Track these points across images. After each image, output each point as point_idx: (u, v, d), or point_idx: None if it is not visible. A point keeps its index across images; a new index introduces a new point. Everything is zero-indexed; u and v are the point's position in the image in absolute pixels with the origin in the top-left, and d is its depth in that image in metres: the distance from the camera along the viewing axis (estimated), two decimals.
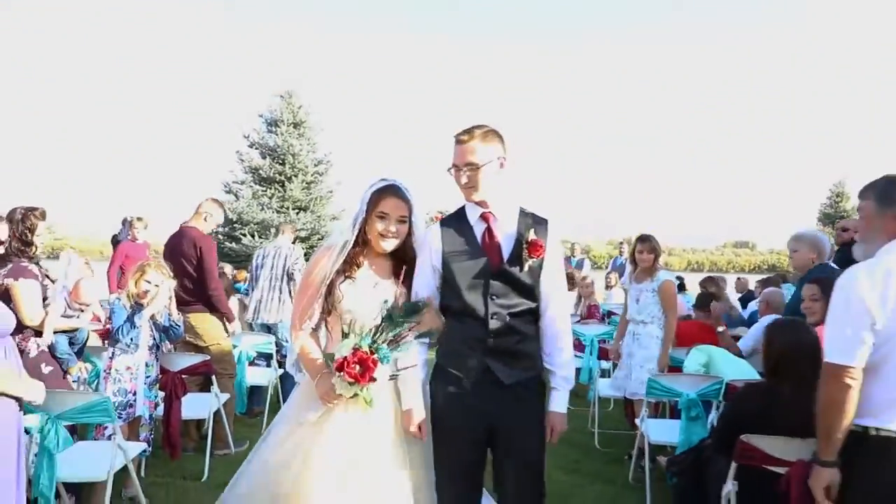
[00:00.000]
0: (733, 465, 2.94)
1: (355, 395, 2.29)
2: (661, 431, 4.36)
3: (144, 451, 3.93)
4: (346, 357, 2.27)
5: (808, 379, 2.37)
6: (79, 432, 3.94)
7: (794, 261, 4.33)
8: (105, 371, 3.94)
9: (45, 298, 3.68)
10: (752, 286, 10.21)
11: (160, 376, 4.20)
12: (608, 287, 10.29)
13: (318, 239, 19.92)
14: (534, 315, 2.43)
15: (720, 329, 5.37)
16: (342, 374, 2.25)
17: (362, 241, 2.52)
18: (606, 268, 13.39)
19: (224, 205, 5.60)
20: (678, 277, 8.80)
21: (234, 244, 20.07)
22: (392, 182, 2.53)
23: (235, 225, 20.54)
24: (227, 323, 5.26)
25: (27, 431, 2.87)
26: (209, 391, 4.73)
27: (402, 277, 2.52)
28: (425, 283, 2.45)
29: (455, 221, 2.45)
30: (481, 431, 2.37)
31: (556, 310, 2.46)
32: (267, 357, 6.03)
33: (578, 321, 7.87)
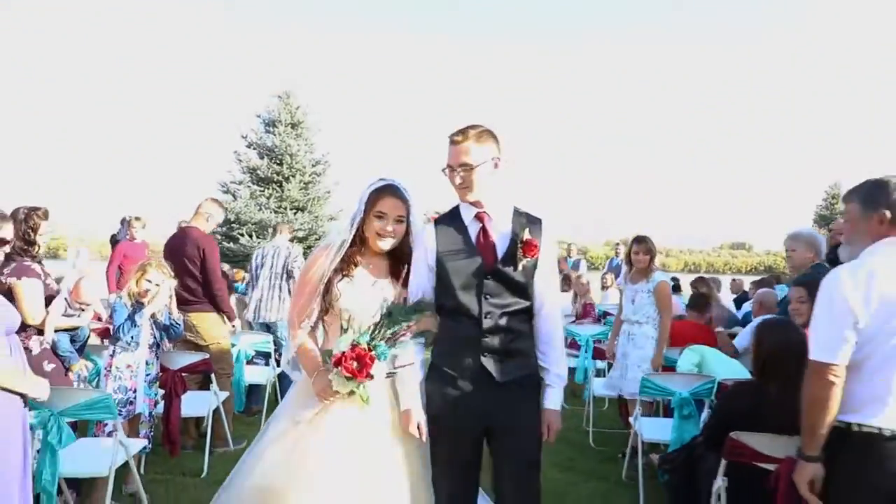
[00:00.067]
0: (723, 461, 3.00)
1: (352, 392, 2.30)
2: (654, 430, 4.43)
3: (144, 447, 3.98)
4: (344, 352, 2.27)
5: (796, 378, 2.42)
6: (79, 429, 3.99)
7: (792, 260, 4.31)
8: (106, 368, 3.99)
9: (50, 297, 3.73)
10: (746, 287, 10.31)
11: (160, 374, 4.26)
12: (604, 287, 10.35)
13: (316, 239, 19.93)
14: (527, 314, 2.44)
15: (718, 329, 5.47)
16: (340, 368, 2.26)
17: (360, 241, 2.54)
18: (603, 268, 13.45)
19: (223, 204, 5.65)
20: (673, 278, 8.89)
21: (231, 244, 20.07)
22: (390, 182, 2.55)
23: (233, 225, 20.53)
24: (228, 322, 5.30)
25: (31, 428, 2.91)
26: (208, 389, 4.78)
27: (401, 278, 2.54)
28: (421, 282, 2.46)
29: (449, 221, 2.46)
30: (477, 430, 2.39)
31: (550, 308, 2.49)
32: (265, 356, 6.08)
33: (574, 321, 7.94)
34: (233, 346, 5.39)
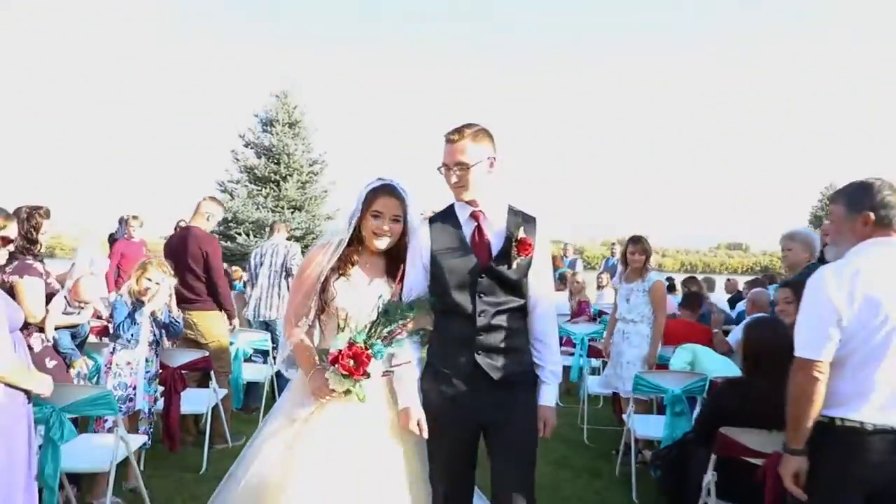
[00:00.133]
0: (713, 456, 3.07)
1: (348, 390, 2.30)
2: (647, 426, 4.50)
3: (144, 443, 4.03)
4: (340, 350, 2.27)
5: (783, 374, 2.49)
6: (79, 425, 4.03)
7: (787, 259, 4.29)
8: (106, 366, 4.04)
9: (50, 295, 3.77)
10: (741, 287, 10.39)
11: (160, 372, 4.31)
12: (599, 287, 10.42)
13: (313, 238, 19.95)
14: (522, 312, 2.45)
15: (716, 330, 5.55)
16: (336, 366, 2.26)
17: (357, 240, 2.56)
18: (599, 268, 13.51)
19: (222, 203, 5.69)
20: (668, 278, 8.97)
21: (229, 243, 20.08)
22: (388, 181, 2.56)
23: (230, 224, 20.55)
24: (228, 320, 5.35)
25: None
26: (207, 387, 4.83)
27: (398, 277, 2.54)
28: (416, 280, 2.47)
29: (444, 219, 2.47)
30: (473, 427, 2.41)
31: (545, 307, 2.50)
32: (263, 354, 6.14)
33: (569, 319, 8.00)
34: (231, 343, 5.44)
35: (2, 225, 2.76)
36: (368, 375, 2.28)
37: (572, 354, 6.62)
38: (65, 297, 4.03)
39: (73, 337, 4.04)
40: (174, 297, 4.43)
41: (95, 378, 4.32)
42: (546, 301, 2.51)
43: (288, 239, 6.72)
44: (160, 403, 4.37)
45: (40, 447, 3.11)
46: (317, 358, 2.43)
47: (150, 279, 4.13)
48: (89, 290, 4.44)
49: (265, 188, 21.80)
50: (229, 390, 5.24)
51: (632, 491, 4.26)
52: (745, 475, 2.93)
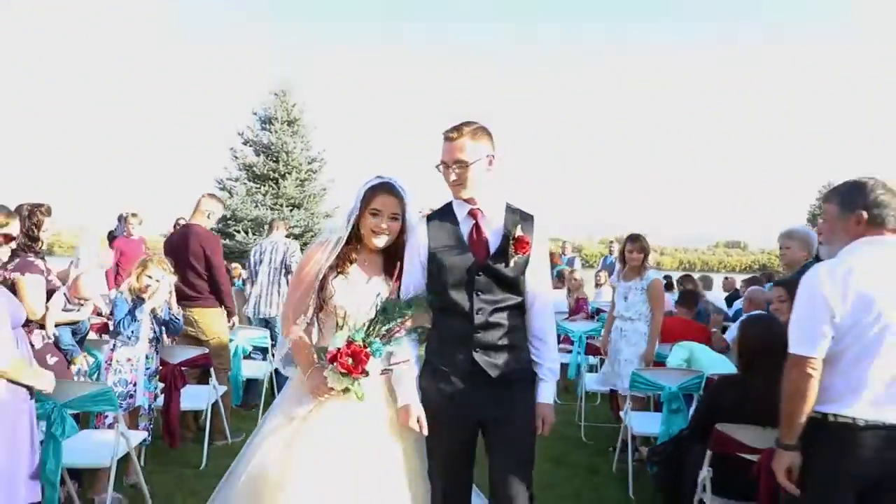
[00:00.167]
0: (709, 452, 3.10)
1: (347, 389, 2.30)
2: (643, 423, 4.53)
3: (145, 440, 4.06)
4: (339, 349, 2.27)
5: (778, 371, 2.51)
6: (79, 422, 4.06)
7: (786, 257, 4.28)
8: (106, 362, 4.07)
9: (50, 291, 3.80)
10: (738, 286, 10.43)
11: (160, 368, 4.34)
12: (598, 285, 10.45)
13: (311, 236, 19.97)
14: (519, 309, 2.46)
15: (714, 329, 5.59)
16: (335, 365, 2.26)
17: (356, 238, 2.56)
18: (597, 266, 13.54)
19: (222, 200, 5.71)
20: (666, 276, 9.00)
21: (227, 240, 20.07)
22: (386, 180, 2.57)
23: (229, 221, 20.57)
24: (228, 317, 5.38)
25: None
26: (206, 384, 4.86)
27: (395, 275, 2.53)
28: (414, 278, 2.47)
29: (442, 217, 2.47)
30: (471, 424, 2.41)
31: (542, 304, 2.51)
32: (262, 351, 6.16)
33: (567, 316, 8.04)
34: (230, 341, 5.47)
35: (4, 222, 2.78)
36: (367, 374, 2.28)
37: (570, 352, 6.66)
38: (64, 294, 4.06)
39: (74, 333, 4.07)
40: (174, 294, 4.46)
41: (96, 375, 4.35)
42: (544, 299, 2.52)
43: (287, 237, 6.75)
44: (160, 400, 4.40)
45: (42, 443, 3.14)
46: (315, 356, 2.42)
47: (150, 276, 4.16)
48: (88, 287, 4.47)
49: (264, 186, 21.83)
50: (229, 387, 5.27)
51: (629, 487, 4.29)
52: (740, 471, 2.96)
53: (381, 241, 2.54)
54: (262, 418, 2.72)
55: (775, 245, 4.43)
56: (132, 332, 4.08)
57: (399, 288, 2.51)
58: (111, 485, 3.44)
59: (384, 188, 2.54)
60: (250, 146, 22.58)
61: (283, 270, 6.19)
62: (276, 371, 6.02)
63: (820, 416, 2.25)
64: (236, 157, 22.48)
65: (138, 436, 3.86)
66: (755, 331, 3.18)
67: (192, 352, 4.62)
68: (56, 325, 3.90)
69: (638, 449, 4.63)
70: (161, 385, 4.37)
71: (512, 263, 2.38)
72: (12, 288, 3.60)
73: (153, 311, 4.20)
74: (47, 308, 3.79)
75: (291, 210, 21.37)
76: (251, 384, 6.08)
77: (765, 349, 3.01)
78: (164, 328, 4.35)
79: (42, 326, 3.78)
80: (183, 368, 4.52)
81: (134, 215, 8.54)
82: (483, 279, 2.37)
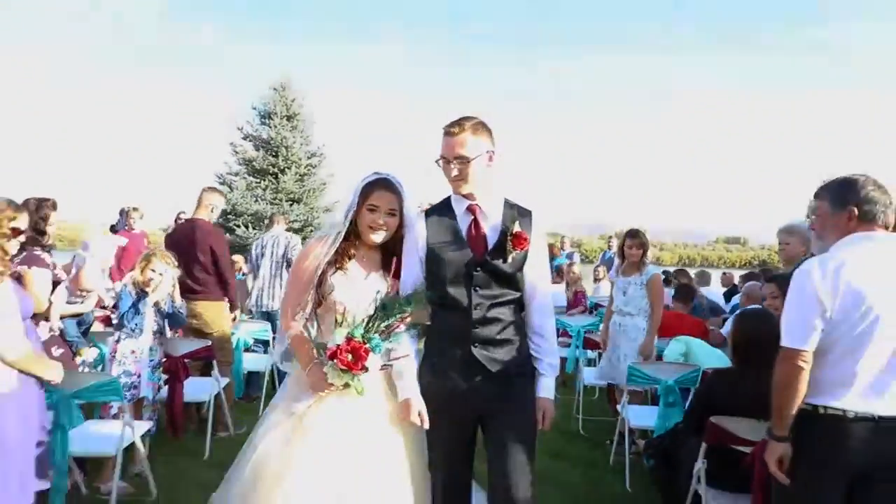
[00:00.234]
0: (703, 444, 3.15)
1: (347, 384, 2.31)
2: (640, 417, 4.59)
3: (149, 430, 4.12)
4: (339, 345, 2.27)
5: (771, 365, 2.56)
6: (85, 412, 4.12)
7: (785, 253, 4.27)
8: (111, 354, 4.13)
9: (55, 283, 3.85)
10: (737, 281, 10.50)
11: (163, 360, 4.40)
12: (597, 280, 10.50)
13: (311, 230, 20.03)
14: (518, 304, 2.48)
15: (712, 328, 5.65)
16: (335, 361, 2.26)
17: (354, 233, 2.55)
18: (597, 261, 13.58)
19: (223, 193, 5.77)
20: (665, 272, 9.07)
21: (228, 235, 20.12)
22: (384, 175, 2.56)
23: (229, 216, 20.61)
24: (231, 310, 5.43)
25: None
26: (209, 376, 4.92)
27: (392, 270, 2.53)
28: (413, 274, 2.47)
29: (441, 212, 2.47)
30: (471, 418, 2.43)
31: (541, 299, 2.52)
32: (264, 343, 6.22)
33: (566, 311, 8.09)
34: (232, 334, 5.52)
35: (13, 216, 2.82)
36: (367, 370, 2.29)
37: (568, 346, 6.71)
38: (66, 287, 4.11)
39: (79, 324, 4.12)
40: (177, 287, 4.52)
41: (100, 367, 4.41)
42: (543, 294, 2.53)
43: (287, 230, 6.80)
44: (164, 391, 4.46)
45: (50, 432, 3.20)
46: (315, 351, 2.40)
47: (154, 270, 4.22)
48: (91, 279, 4.52)
49: (263, 180, 21.87)
50: (231, 379, 5.32)
51: (626, 480, 4.36)
52: (734, 463, 3.01)
53: (378, 237, 2.53)
54: (263, 411, 2.73)
55: (775, 241, 4.44)
56: (136, 324, 4.14)
57: (398, 284, 2.51)
58: (117, 474, 3.51)
59: (382, 184, 2.54)
60: (250, 141, 22.61)
61: (285, 264, 6.24)
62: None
63: (811, 408, 2.30)
64: (236, 152, 22.52)
65: (143, 426, 3.92)
66: (749, 324, 3.23)
67: (196, 344, 4.67)
68: (61, 318, 3.95)
69: (635, 442, 4.69)
70: (164, 377, 4.43)
71: (510, 259, 2.39)
72: (19, 281, 3.64)
73: (157, 304, 4.26)
74: (51, 301, 3.85)
75: (291, 204, 21.42)
76: (253, 377, 6.13)
77: (758, 342, 3.06)
78: (167, 321, 4.41)
79: (48, 319, 3.83)
80: (186, 361, 4.58)
81: (135, 209, 8.57)
82: (481, 274, 2.38)
